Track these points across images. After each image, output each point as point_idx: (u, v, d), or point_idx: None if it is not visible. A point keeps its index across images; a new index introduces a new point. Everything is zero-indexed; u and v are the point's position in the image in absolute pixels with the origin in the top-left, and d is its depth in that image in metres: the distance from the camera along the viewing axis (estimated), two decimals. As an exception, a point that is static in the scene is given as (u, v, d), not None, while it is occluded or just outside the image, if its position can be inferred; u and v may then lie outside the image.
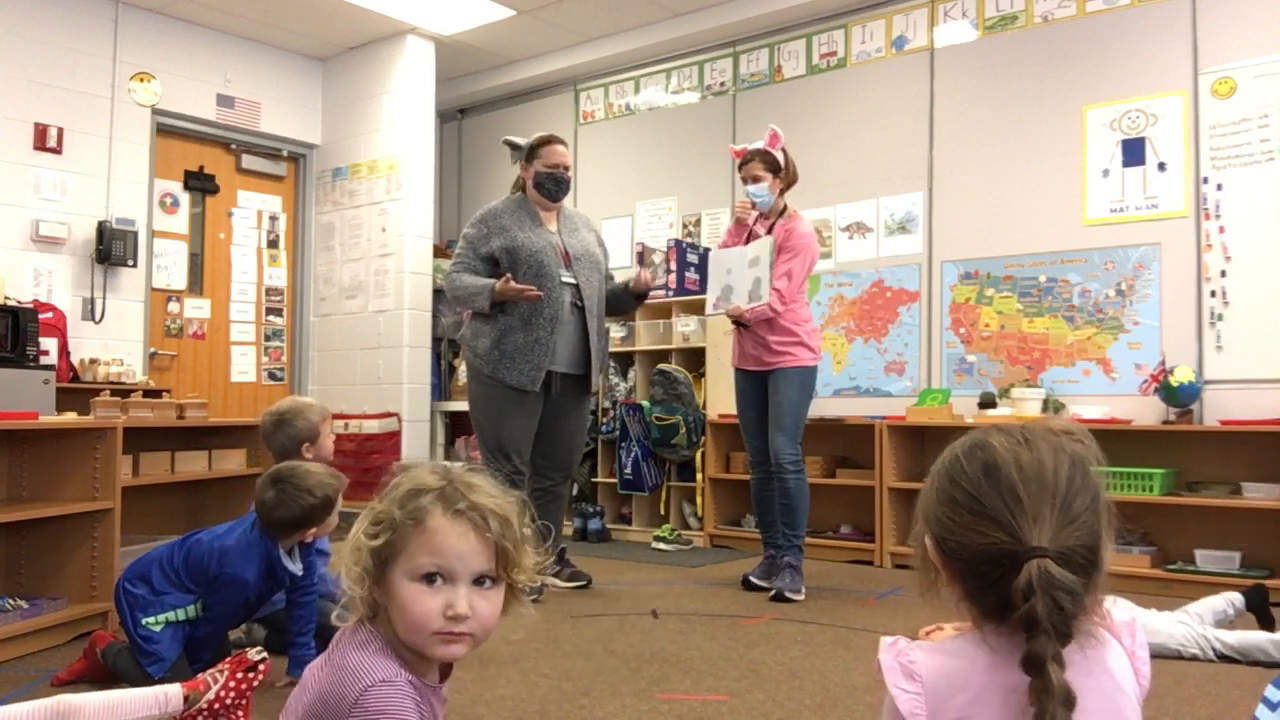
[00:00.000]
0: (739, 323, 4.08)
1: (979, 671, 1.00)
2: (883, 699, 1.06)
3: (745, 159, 4.13)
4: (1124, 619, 1.07)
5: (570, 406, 4.12)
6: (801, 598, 3.83)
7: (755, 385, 4.11)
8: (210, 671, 1.97)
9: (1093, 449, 1.05)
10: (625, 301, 4.28)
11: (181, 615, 2.67)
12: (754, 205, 4.12)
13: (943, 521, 1.04)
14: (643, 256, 4.32)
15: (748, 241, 4.14)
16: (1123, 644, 1.05)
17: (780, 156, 4.11)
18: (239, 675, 1.94)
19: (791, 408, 4.01)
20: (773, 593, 3.85)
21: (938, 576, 1.06)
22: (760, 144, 4.13)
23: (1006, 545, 0.98)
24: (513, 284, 3.82)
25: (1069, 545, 0.98)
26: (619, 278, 4.36)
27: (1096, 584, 1.00)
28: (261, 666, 1.97)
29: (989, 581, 0.99)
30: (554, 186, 4.04)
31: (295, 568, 2.64)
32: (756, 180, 4.08)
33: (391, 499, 1.29)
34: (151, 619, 2.64)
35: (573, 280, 4.01)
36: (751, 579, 4.03)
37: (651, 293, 4.42)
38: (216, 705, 1.91)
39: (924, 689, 1.01)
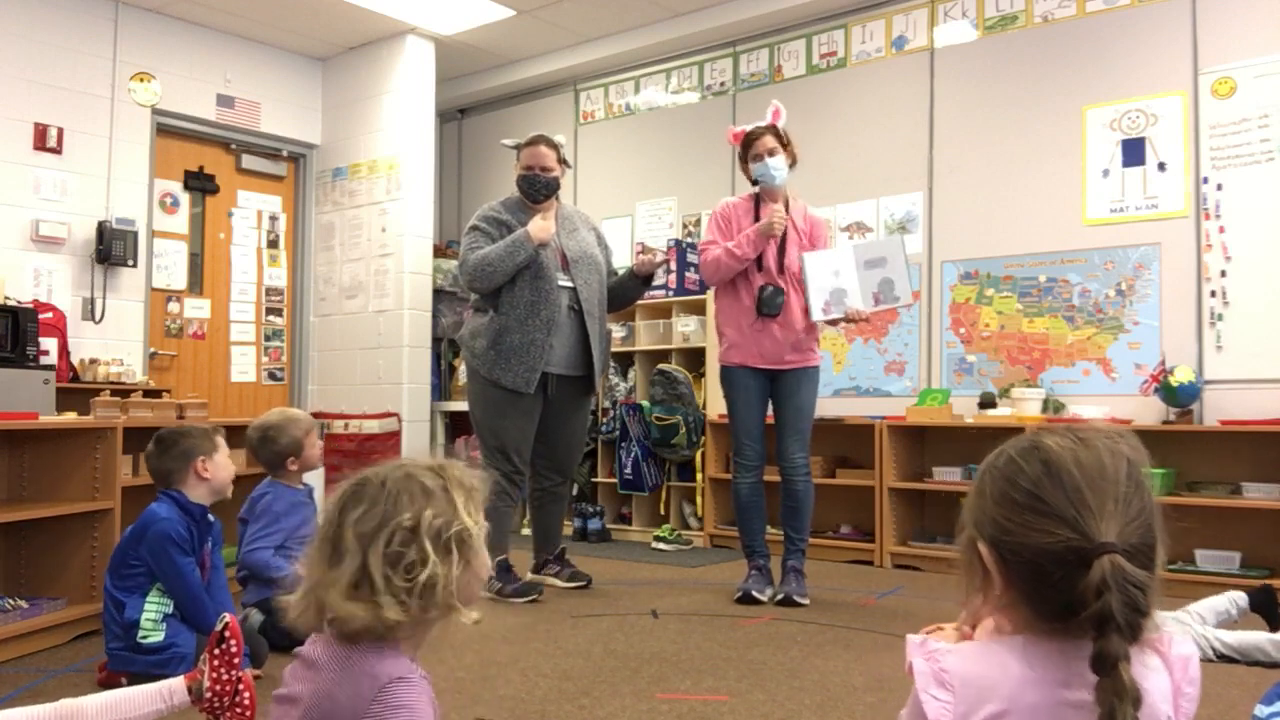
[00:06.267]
0: (768, 312, 3.82)
1: (1010, 682, 0.98)
2: (905, 698, 1.05)
3: (755, 135, 3.91)
4: (1183, 653, 1.04)
5: (569, 409, 4.11)
6: (808, 602, 3.79)
7: (763, 384, 3.92)
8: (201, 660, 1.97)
9: (1142, 451, 1.04)
10: (631, 288, 4.23)
11: (156, 604, 2.67)
12: (770, 183, 3.88)
13: (1000, 523, 1.02)
14: (643, 252, 4.22)
15: (781, 251, 3.85)
16: (1173, 675, 1.03)
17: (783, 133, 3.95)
18: (216, 652, 1.93)
19: (810, 411, 3.93)
20: (780, 597, 3.82)
21: (987, 581, 1.04)
22: (763, 123, 3.94)
23: (1074, 542, 0.97)
24: (540, 219, 3.87)
25: (1133, 542, 0.97)
26: (622, 273, 4.32)
27: (1157, 584, 0.99)
28: (228, 634, 1.94)
29: (1053, 582, 0.97)
30: (527, 188, 4.03)
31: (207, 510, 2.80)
32: (773, 153, 3.86)
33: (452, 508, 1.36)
34: (143, 633, 2.63)
35: (570, 284, 4.00)
36: (752, 593, 3.83)
37: (655, 281, 4.38)
38: (219, 689, 1.90)
39: (954, 697, 1.00)
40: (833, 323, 3.93)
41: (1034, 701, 0.97)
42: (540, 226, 3.87)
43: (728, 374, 3.97)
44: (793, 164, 3.99)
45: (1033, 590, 1.00)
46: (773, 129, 3.92)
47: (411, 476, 1.35)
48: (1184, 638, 1.06)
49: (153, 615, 2.65)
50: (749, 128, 3.96)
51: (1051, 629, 0.99)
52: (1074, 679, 0.95)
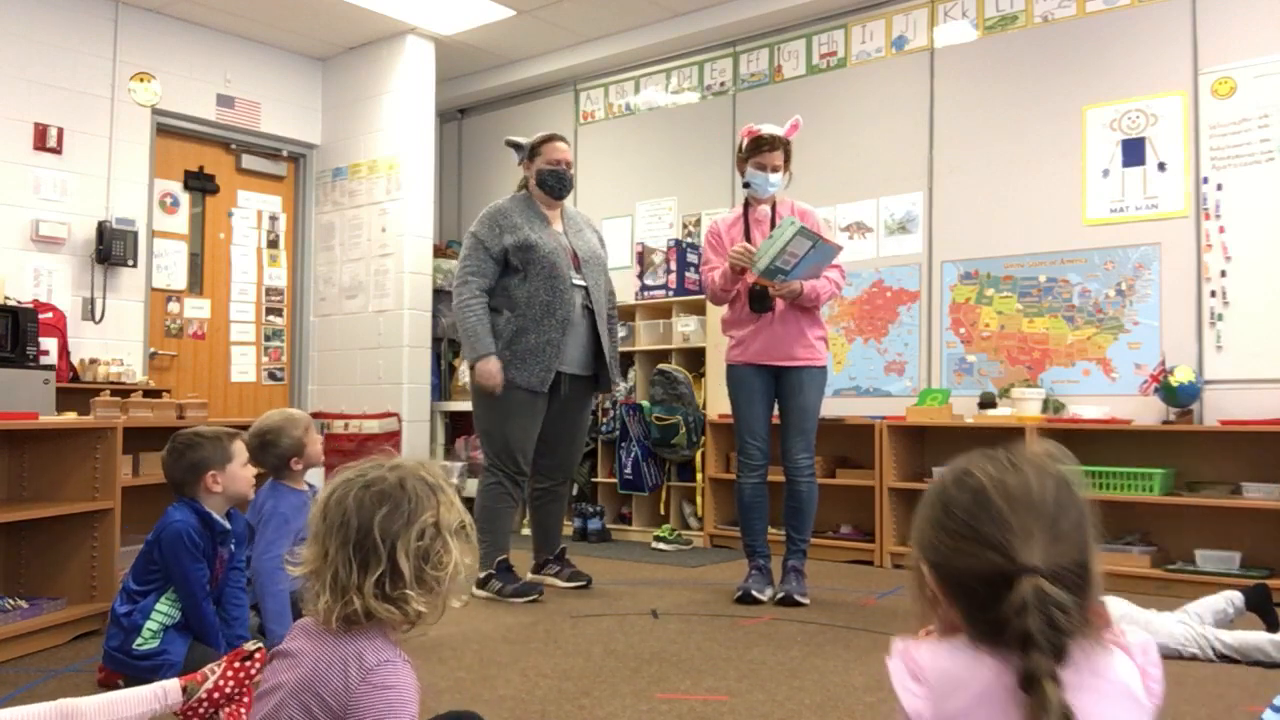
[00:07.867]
0: (760, 308, 3.83)
1: (984, 669, 1.02)
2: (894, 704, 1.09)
3: (768, 144, 3.85)
4: (1140, 640, 1.09)
5: (574, 408, 4.12)
6: (808, 602, 3.79)
7: (767, 382, 3.91)
8: (211, 664, 1.97)
9: (1075, 470, 1.09)
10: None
11: (163, 614, 2.68)
12: (760, 194, 3.90)
13: (937, 547, 1.08)
14: (643, 258, 4.23)
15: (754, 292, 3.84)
16: (1135, 660, 1.07)
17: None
18: (236, 665, 1.94)
19: (815, 411, 3.92)
20: (780, 596, 3.82)
21: (935, 602, 1.10)
22: (780, 130, 3.89)
23: (1000, 564, 1.01)
24: (494, 374, 3.86)
25: (1060, 563, 1.01)
26: (616, 279, 4.34)
27: (1090, 599, 1.03)
28: (257, 655, 1.96)
29: (982, 602, 1.02)
30: (555, 182, 4.03)
31: (223, 521, 2.78)
32: (775, 170, 3.86)
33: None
34: (141, 640, 2.64)
35: (582, 283, 4.01)
36: (752, 593, 3.84)
37: (649, 293, 4.38)
38: (216, 695, 1.90)
39: (929, 690, 1.04)
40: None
41: (1009, 683, 1.01)
42: (488, 374, 3.86)
43: (730, 372, 4.00)
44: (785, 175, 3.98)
45: (967, 610, 1.05)
46: (785, 145, 3.89)
47: (417, 475, 1.47)
48: (1134, 629, 1.12)
49: (154, 626, 2.66)
50: (765, 132, 3.89)
51: (990, 647, 1.03)
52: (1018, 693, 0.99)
